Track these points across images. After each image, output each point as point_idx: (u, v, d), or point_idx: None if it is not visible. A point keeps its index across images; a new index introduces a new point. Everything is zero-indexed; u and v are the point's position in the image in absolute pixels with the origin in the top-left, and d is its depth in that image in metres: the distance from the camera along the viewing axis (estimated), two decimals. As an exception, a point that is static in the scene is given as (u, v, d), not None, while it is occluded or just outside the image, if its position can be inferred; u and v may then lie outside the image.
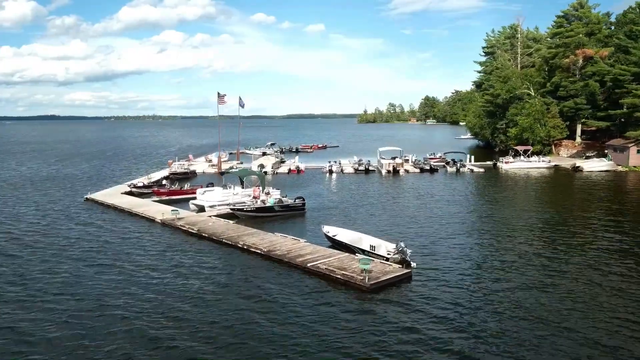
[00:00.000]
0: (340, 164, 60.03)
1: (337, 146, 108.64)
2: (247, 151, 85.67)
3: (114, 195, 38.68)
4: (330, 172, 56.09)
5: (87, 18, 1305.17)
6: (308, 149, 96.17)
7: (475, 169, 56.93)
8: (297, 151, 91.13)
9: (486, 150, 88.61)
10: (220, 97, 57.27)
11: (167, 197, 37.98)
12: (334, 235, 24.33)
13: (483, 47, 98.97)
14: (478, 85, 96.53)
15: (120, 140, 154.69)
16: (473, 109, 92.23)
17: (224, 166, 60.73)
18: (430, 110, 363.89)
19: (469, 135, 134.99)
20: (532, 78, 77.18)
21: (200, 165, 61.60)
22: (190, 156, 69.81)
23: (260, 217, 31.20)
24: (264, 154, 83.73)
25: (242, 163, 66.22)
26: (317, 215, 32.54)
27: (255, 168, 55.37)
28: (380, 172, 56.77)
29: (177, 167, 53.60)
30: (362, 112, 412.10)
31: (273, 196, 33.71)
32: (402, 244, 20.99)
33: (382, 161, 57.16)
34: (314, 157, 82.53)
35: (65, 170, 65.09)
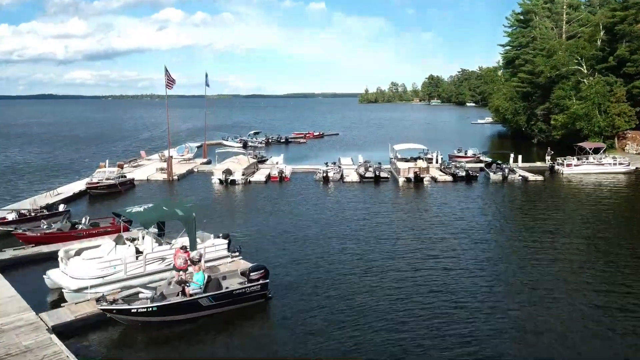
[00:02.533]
0: (340, 167, 43.59)
1: (337, 134, 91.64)
2: (225, 143, 69.62)
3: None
4: (326, 179, 39.72)
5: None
6: (301, 138, 79.14)
7: (530, 177, 40.46)
8: (287, 142, 74.36)
9: (517, 142, 71.91)
10: (168, 76, 40.50)
11: (35, 249, 21.66)
12: None
13: (516, 14, 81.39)
14: (510, 60, 79.36)
15: (96, 123, 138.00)
16: (504, 90, 75.28)
17: (179, 169, 44.38)
18: (434, 90, 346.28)
19: (487, 120, 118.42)
20: (585, 51, 60.07)
21: (147, 169, 45.10)
22: (143, 153, 53.31)
23: (171, 322, 15.06)
24: (245, 145, 67.36)
25: (209, 162, 49.84)
26: (288, 315, 16.18)
27: (219, 175, 39.12)
28: (396, 179, 40.41)
29: (109, 173, 36.93)
30: (364, 92, 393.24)
31: (207, 263, 17.50)
32: None
33: (399, 165, 40.64)
34: (307, 151, 66.15)
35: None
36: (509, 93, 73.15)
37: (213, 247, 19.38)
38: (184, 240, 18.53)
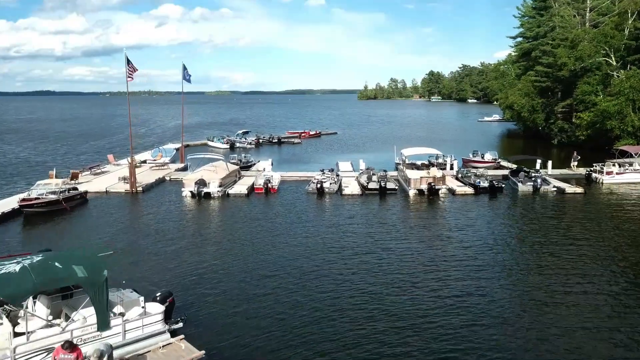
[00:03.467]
0: (338, 175, 36.79)
1: (336, 133, 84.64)
2: (210, 143, 63.02)
3: None
4: (321, 191, 32.84)
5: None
6: (296, 138, 71.98)
7: (568, 188, 33.51)
8: (280, 142, 67.28)
9: (532, 142, 65.24)
10: (129, 66, 33.53)
11: None
12: None
13: (530, 2, 74.37)
14: (525, 53, 72.33)
15: (85, 120, 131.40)
16: (520, 85, 68.28)
17: (148, 177, 37.51)
18: (434, 86, 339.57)
19: (495, 117, 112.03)
20: (615, 41, 53.15)
21: (108, 178, 38.12)
22: (110, 157, 46.24)
23: None
24: (232, 146, 60.69)
25: (186, 168, 42.82)
26: None
27: (190, 186, 32.24)
28: (405, 191, 33.57)
29: (54, 186, 29.86)
30: (363, 88, 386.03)
31: (128, 347, 10.76)
32: None
33: (409, 174, 33.71)
34: (302, 153, 59.36)
35: None
36: (524, 88, 66.21)
37: (139, 319, 12.55)
38: (89, 314, 11.78)
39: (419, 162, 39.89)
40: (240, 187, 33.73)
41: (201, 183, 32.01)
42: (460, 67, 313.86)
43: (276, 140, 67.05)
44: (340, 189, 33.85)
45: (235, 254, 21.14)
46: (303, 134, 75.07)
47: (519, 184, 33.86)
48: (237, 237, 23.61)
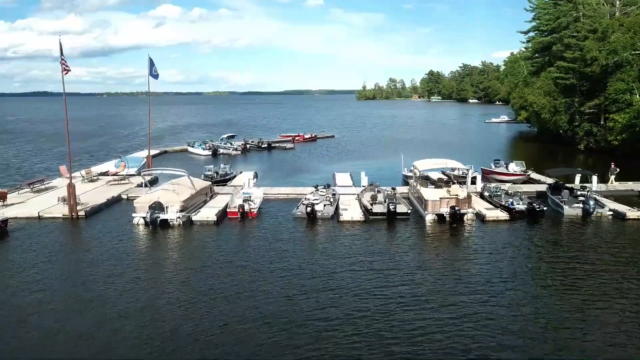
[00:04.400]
0: (334, 193, 29.56)
1: (333, 136, 77.22)
2: (190, 149, 55.83)
3: None
4: (312, 215, 25.61)
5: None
6: (288, 142, 64.66)
7: (629, 212, 26.10)
8: (270, 147, 59.83)
9: (550, 146, 58.33)
10: (63, 64, 26.20)
11: None
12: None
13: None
14: (544, 47, 65.08)
15: (62, 123, 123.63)
16: (539, 83, 60.97)
17: (98, 196, 30.18)
18: (434, 86, 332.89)
19: (504, 118, 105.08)
20: (653, 31, 46.14)
21: (47, 198, 30.66)
22: (63, 168, 38.73)
23: None
24: (215, 152, 53.49)
25: (152, 184, 35.31)
26: None
27: (143, 211, 24.96)
28: (420, 214, 26.36)
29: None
30: (361, 89, 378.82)
31: None
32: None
33: (425, 194, 26.39)
34: (294, 160, 52.10)
35: None
36: (544, 86, 59.04)
37: None
38: None
39: (433, 176, 32.69)
40: (207, 212, 26.36)
41: (157, 207, 24.72)
42: (460, 67, 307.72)
43: (266, 146, 59.53)
44: (337, 212, 26.64)
45: (183, 323, 13.91)
46: (297, 138, 67.74)
47: (565, 206, 26.60)
48: (189, 295, 16.37)
